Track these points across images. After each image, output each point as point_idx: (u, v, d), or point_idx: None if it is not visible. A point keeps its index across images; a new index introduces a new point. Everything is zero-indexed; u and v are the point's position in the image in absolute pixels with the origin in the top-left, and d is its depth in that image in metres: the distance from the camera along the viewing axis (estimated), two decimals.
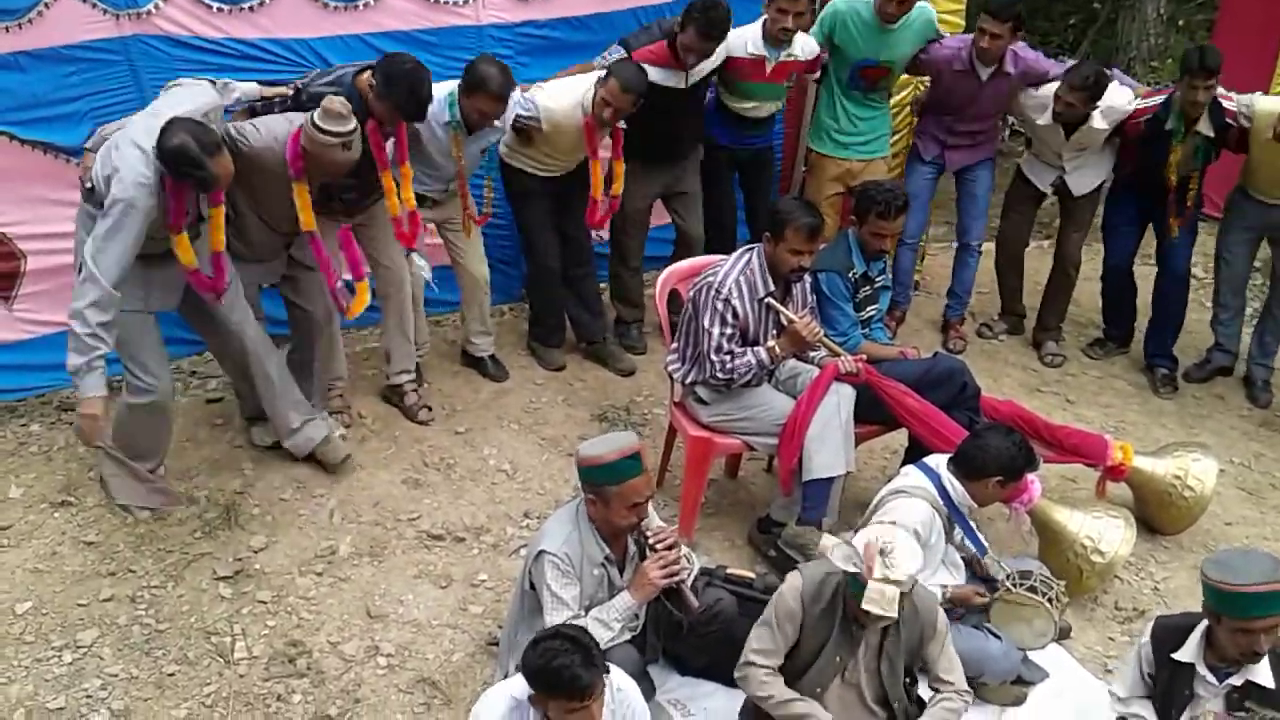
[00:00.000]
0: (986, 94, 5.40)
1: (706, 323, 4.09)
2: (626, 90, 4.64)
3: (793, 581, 3.28)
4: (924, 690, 3.42)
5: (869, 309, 4.57)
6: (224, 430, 4.81)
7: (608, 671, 2.82)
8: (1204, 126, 5.19)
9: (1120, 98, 5.28)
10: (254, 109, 4.27)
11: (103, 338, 3.73)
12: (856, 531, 3.64)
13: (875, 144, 5.67)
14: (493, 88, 4.41)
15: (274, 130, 4.03)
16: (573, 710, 2.76)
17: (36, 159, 4.46)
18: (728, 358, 4.11)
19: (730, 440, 4.31)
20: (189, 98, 3.93)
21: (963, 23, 5.95)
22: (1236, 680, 3.12)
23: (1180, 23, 10.02)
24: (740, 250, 4.21)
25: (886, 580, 2.99)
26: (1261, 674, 3.09)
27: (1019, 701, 3.85)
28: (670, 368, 4.35)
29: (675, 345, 4.34)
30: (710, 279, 4.13)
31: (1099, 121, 5.29)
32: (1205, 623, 3.15)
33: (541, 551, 3.34)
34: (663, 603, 3.48)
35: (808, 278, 4.27)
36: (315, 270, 4.38)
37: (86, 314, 3.69)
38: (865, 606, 2.98)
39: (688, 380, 4.28)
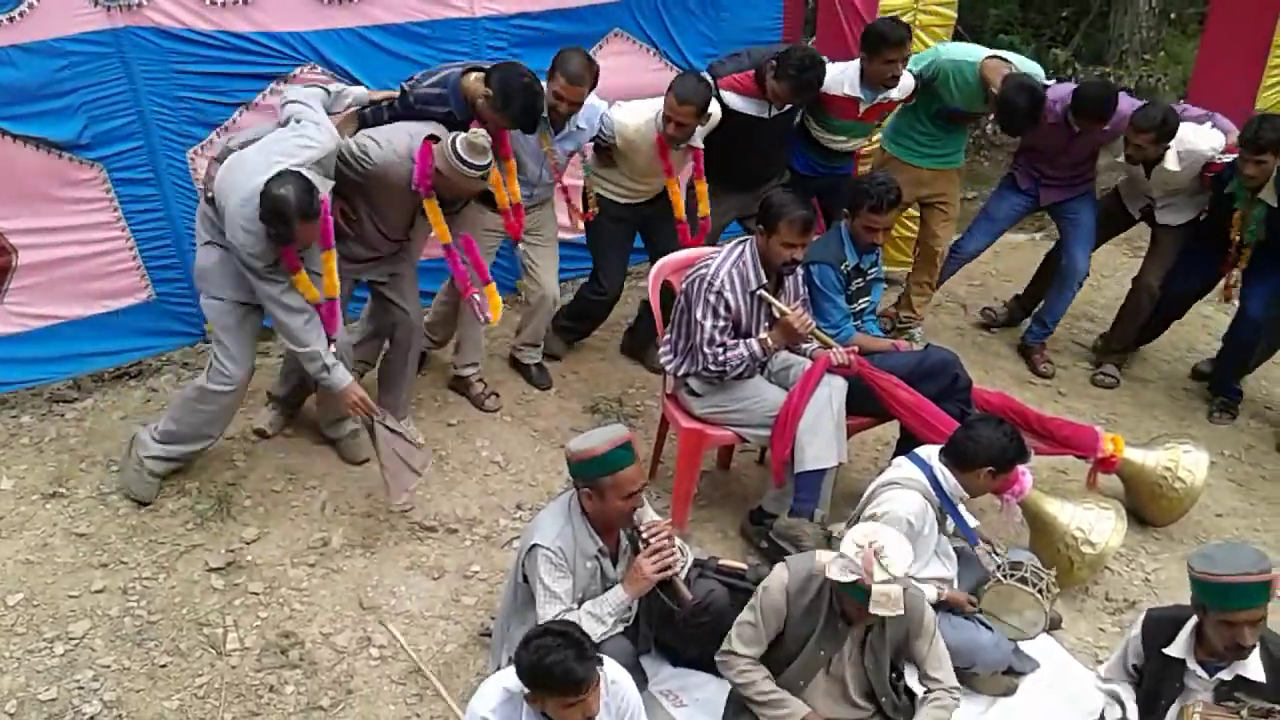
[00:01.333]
0: (1080, 143, 5.28)
1: (699, 315, 4.10)
2: (684, 102, 4.54)
3: (779, 575, 3.30)
4: (912, 682, 3.43)
5: (861, 301, 4.57)
6: None
7: (601, 664, 2.82)
8: (1268, 195, 4.97)
9: (1203, 141, 5.07)
10: (363, 116, 4.30)
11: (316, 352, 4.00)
12: (847, 527, 3.67)
13: (952, 157, 5.58)
14: (570, 69, 4.40)
15: (395, 145, 4.09)
16: (569, 705, 2.77)
17: (29, 154, 4.42)
18: (720, 350, 4.11)
19: (723, 432, 4.32)
20: (296, 143, 3.91)
21: (953, 16, 5.94)
22: (1226, 675, 3.13)
23: (1172, 16, 10.03)
24: (733, 243, 4.22)
25: (888, 580, 3.00)
26: (1252, 669, 3.10)
27: (1010, 692, 3.87)
28: (663, 360, 4.36)
29: (668, 337, 4.35)
30: (703, 271, 4.13)
31: (1172, 163, 5.09)
32: (1195, 617, 3.17)
33: (535, 545, 3.34)
34: (656, 595, 3.49)
35: (800, 270, 4.27)
36: (411, 268, 4.51)
37: (317, 352, 4.00)
38: (874, 610, 2.99)
39: (680, 372, 4.28)
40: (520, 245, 4.93)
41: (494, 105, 4.15)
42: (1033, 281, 6.10)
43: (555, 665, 2.72)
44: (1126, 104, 5.11)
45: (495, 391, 5.15)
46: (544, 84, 4.33)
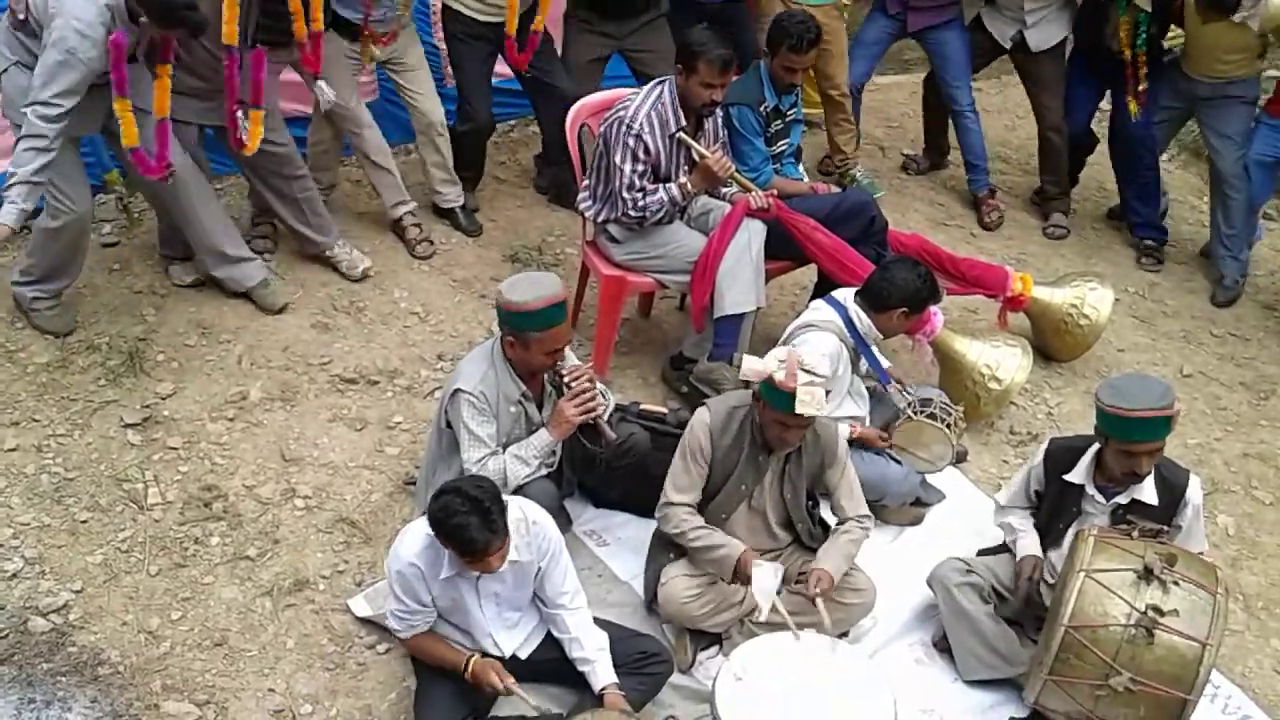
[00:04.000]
0: None
1: (618, 159, 4.04)
2: None
3: (700, 416, 3.37)
4: (826, 514, 3.57)
5: (780, 143, 4.54)
6: (122, 275, 4.65)
7: (504, 533, 2.89)
8: (1143, 2, 4.98)
9: None
10: None
11: (35, 183, 3.70)
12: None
13: None
14: None
15: None
16: (470, 562, 2.89)
17: None
18: (640, 195, 4.07)
19: (643, 279, 4.32)
20: None
21: None
22: (1123, 499, 3.32)
23: None
24: (651, 83, 4.13)
25: (811, 383, 3.10)
26: (1146, 493, 3.30)
27: (917, 522, 4.06)
28: (581, 206, 4.31)
29: (587, 183, 4.28)
30: (621, 114, 4.05)
31: None
32: (1096, 445, 3.32)
33: (458, 390, 3.35)
34: (579, 440, 3.54)
35: (719, 112, 4.21)
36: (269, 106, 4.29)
37: (23, 158, 3.67)
38: (799, 409, 3.09)
39: (599, 219, 4.24)
40: (391, 78, 4.85)
41: None
42: (925, 124, 6.13)
43: (457, 528, 2.81)
44: None
45: (429, 238, 5.04)
46: None
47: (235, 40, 4.00)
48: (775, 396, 3.15)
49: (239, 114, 4.19)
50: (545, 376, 3.51)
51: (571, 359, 3.57)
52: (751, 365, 3.22)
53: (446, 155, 5.07)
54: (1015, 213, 5.97)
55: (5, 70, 3.87)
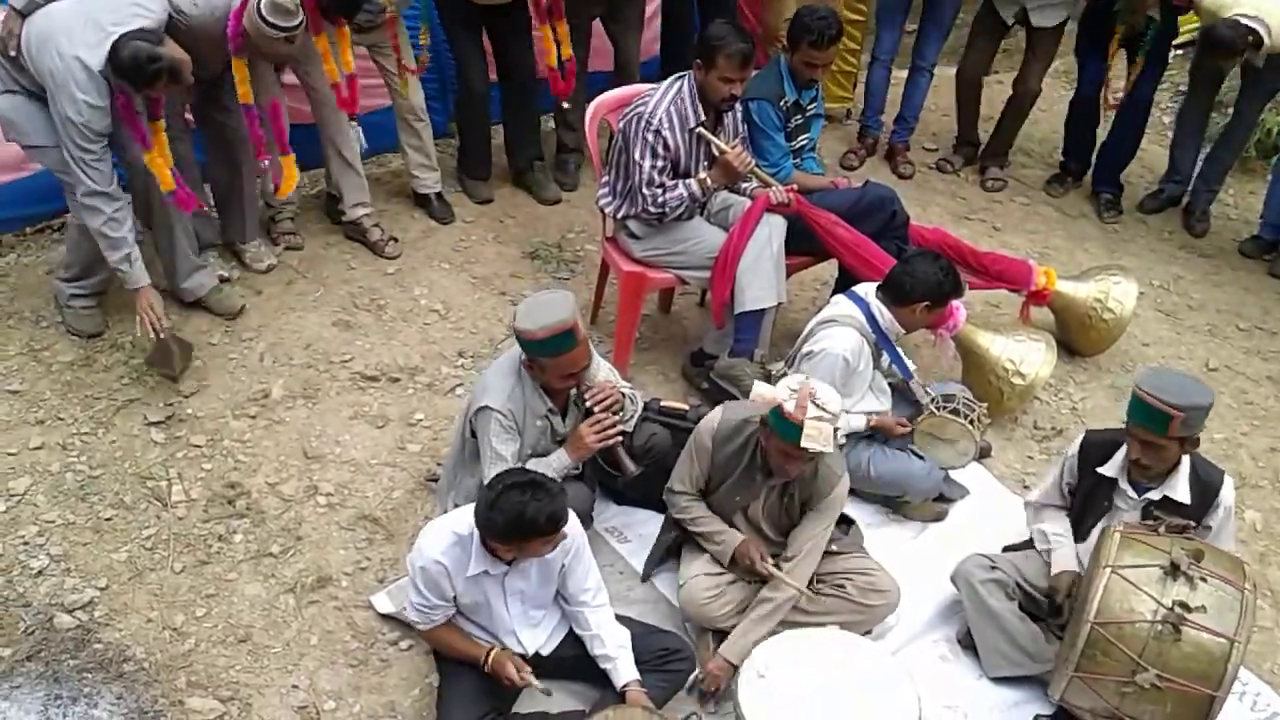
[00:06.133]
0: None
1: (637, 155, 4.03)
2: None
3: (710, 418, 3.38)
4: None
5: (800, 138, 4.51)
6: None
7: (565, 493, 2.91)
8: (1154, 10, 5.08)
9: None
10: None
11: (124, 241, 3.89)
12: (785, 365, 3.75)
13: None
14: None
15: (213, 1, 3.94)
16: (548, 542, 2.89)
17: None
18: (659, 191, 4.06)
19: (663, 275, 4.31)
20: (131, 9, 3.72)
21: None
22: (1155, 495, 3.28)
23: None
24: (670, 79, 4.11)
25: (821, 418, 3.06)
26: (1179, 490, 3.25)
27: (940, 518, 4.03)
28: (601, 202, 4.30)
29: (606, 179, 4.27)
30: (640, 109, 4.04)
31: None
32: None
33: (485, 406, 3.35)
34: (599, 457, 3.54)
35: (739, 107, 4.20)
36: (230, 84, 4.23)
37: (105, 231, 3.86)
38: (805, 444, 3.05)
39: (619, 215, 4.23)
40: (376, 61, 4.87)
41: None
42: (960, 117, 6.18)
43: (537, 513, 2.80)
44: None
45: (394, 236, 5.04)
46: None
47: (250, 99, 4.11)
48: (783, 426, 3.11)
49: (266, 163, 4.30)
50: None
51: (602, 371, 3.54)
52: (761, 392, 3.19)
53: (426, 140, 5.11)
54: (1039, 206, 5.94)
55: (4, 95, 3.89)
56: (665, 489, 3.50)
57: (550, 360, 3.28)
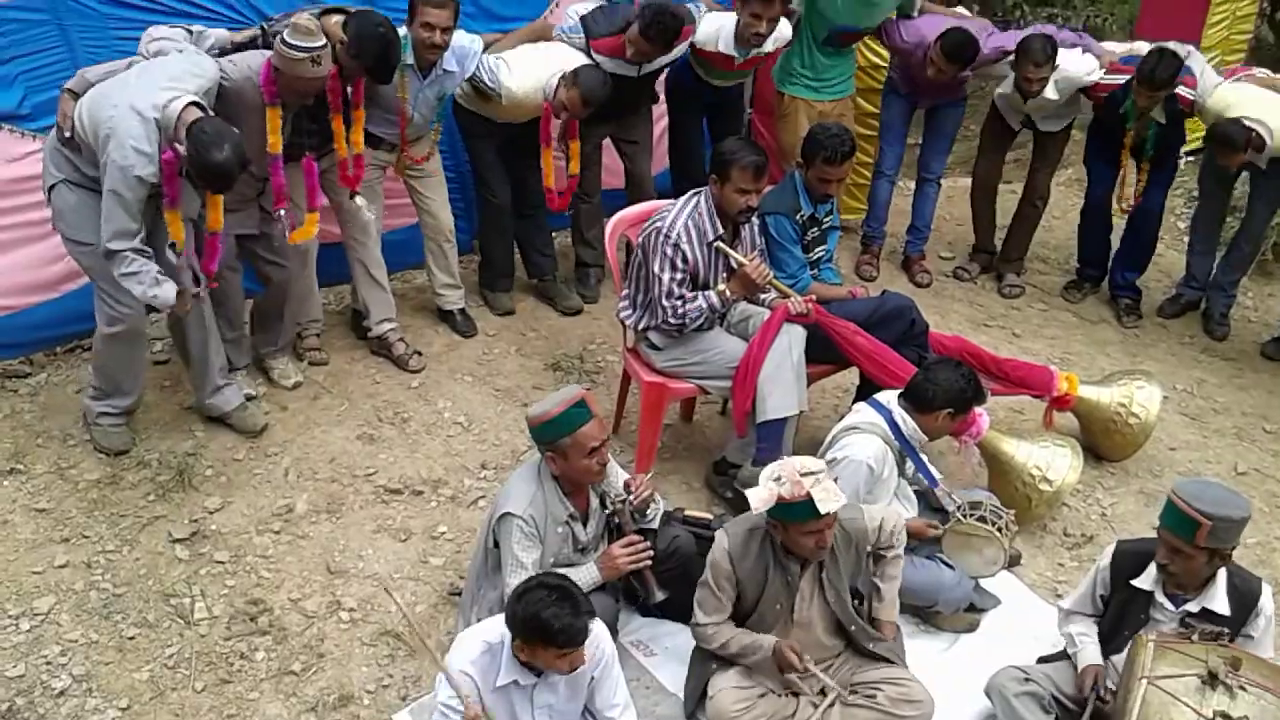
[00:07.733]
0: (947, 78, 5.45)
1: (656, 268, 4.10)
2: (588, 104, 4.70)
3: (719, 542, 3.34)
4: (877, 609, 3.50)
5: (817, 250, 4.59)
6: (173, 392, 4.74)
7: (593, 615, 2.88)
8: (1158, 114, 5.25)
9: (1078, 67, 5.29)
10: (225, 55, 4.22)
11: (147, 283, 3.86)
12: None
13: (844, 84, 5.74)
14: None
15: (249, 61, 4.07)
16: (562, 656, 2.84)
17: None
18: (679, 303, 4.12)
19: (684, 385, 4.33)
20: (187, 69, 3.87)
21: None
22: (1193, 607, 3.20)
23: None
24: (688, 194, 4.21)
25: (818, 480, 3.07)
26: (1218, 601, 3.18)
27: (972, 628, 3.95)
28: (622, 314, 4.36)
29: (626, 291, 4.34)
30: (659, 224, 4.12)
31: (1051, 93, 5.32)
32: None
33: (507, 513, 3.35)
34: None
35: (755, 220, 4.28)
36: (281, 233, 4.39)
37: (128, 285, 3.86)
38: (823, 509, 3.04)
39: (640, 326, 4.29)
40: (407, 183, 5.01)
41: (348, 51, 4.16)
42: (976, 225, 6.27)
43: (554, 619, 2.77)
44: (993, 46, 5.38)
45: (419, 350, 5.11)
46: (402, 29, 4.37)
47: (279, 150, 4.18)
48: (795, 511, 3.09)
49: (283, 211, 4.32)
50: (592, 489, 3.51)
51: (619, 480, 3.56)
52: (756, 499, 3.17)
53: (452, 260, 5.23)
54: (1057, 312, 5.97)
55: (54, 186, 4.01)
56: (690, 625, 3.41)
57: (569, 439, 3.29)
